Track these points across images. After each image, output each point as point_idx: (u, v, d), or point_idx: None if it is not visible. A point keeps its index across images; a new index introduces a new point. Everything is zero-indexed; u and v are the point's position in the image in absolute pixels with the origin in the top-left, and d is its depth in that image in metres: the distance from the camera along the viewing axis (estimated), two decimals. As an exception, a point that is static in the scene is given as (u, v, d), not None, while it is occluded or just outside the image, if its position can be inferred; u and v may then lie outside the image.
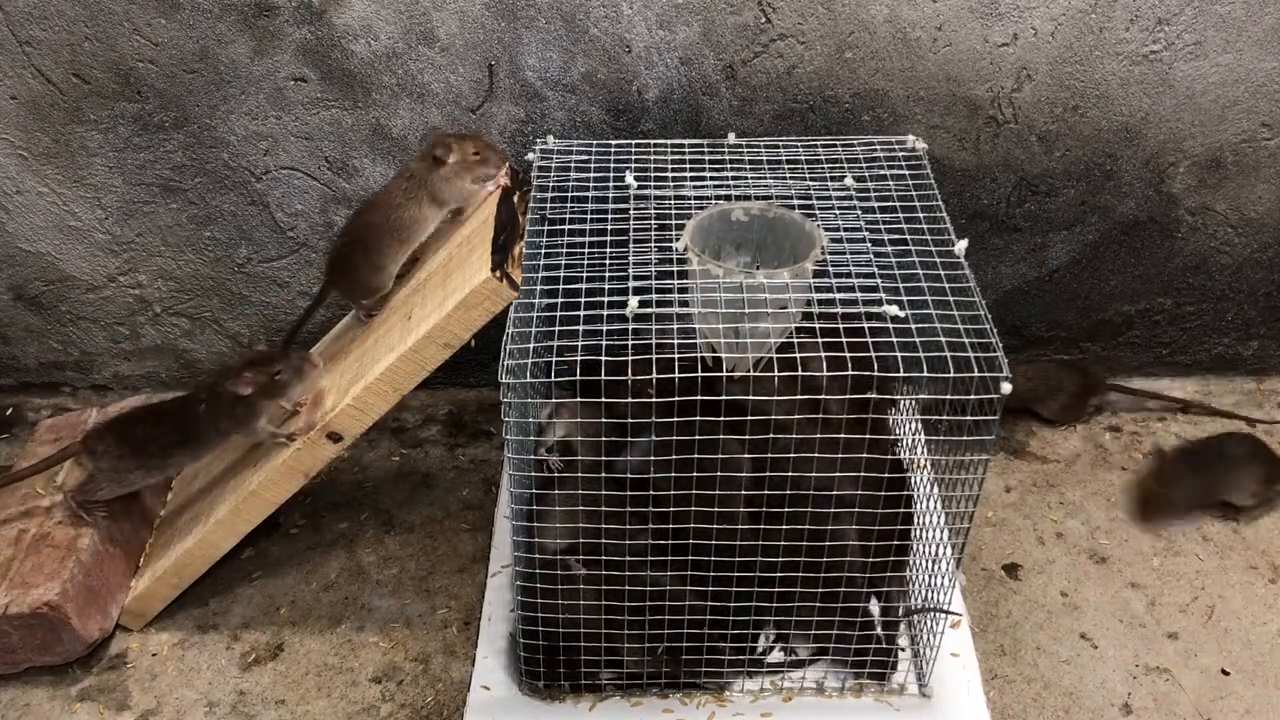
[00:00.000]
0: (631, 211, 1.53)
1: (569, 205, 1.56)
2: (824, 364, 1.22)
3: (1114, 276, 2.00)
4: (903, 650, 1.52)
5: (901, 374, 1.25)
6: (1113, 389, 2.06)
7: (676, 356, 1.24)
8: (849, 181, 1.59)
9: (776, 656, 1.51)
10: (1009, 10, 1.69)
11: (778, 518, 1.36)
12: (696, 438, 1.27)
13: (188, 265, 1.98)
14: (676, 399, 1.24)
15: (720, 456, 1.31)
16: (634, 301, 1.32)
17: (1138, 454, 1.97)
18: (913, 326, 1.27)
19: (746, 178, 1.61)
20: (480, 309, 1.41)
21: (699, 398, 1.24)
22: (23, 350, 2.09)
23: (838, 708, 1.47)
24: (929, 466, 1.60)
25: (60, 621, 1.57)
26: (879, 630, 1.49)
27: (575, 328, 1.31)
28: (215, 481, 1.73)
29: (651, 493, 1.36)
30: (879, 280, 1.35)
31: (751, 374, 1.35)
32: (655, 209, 1.53)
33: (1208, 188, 1.88)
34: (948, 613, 1.41)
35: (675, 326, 1.30)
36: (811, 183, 1.59)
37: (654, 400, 1.27)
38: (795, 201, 1.53)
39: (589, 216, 1.52)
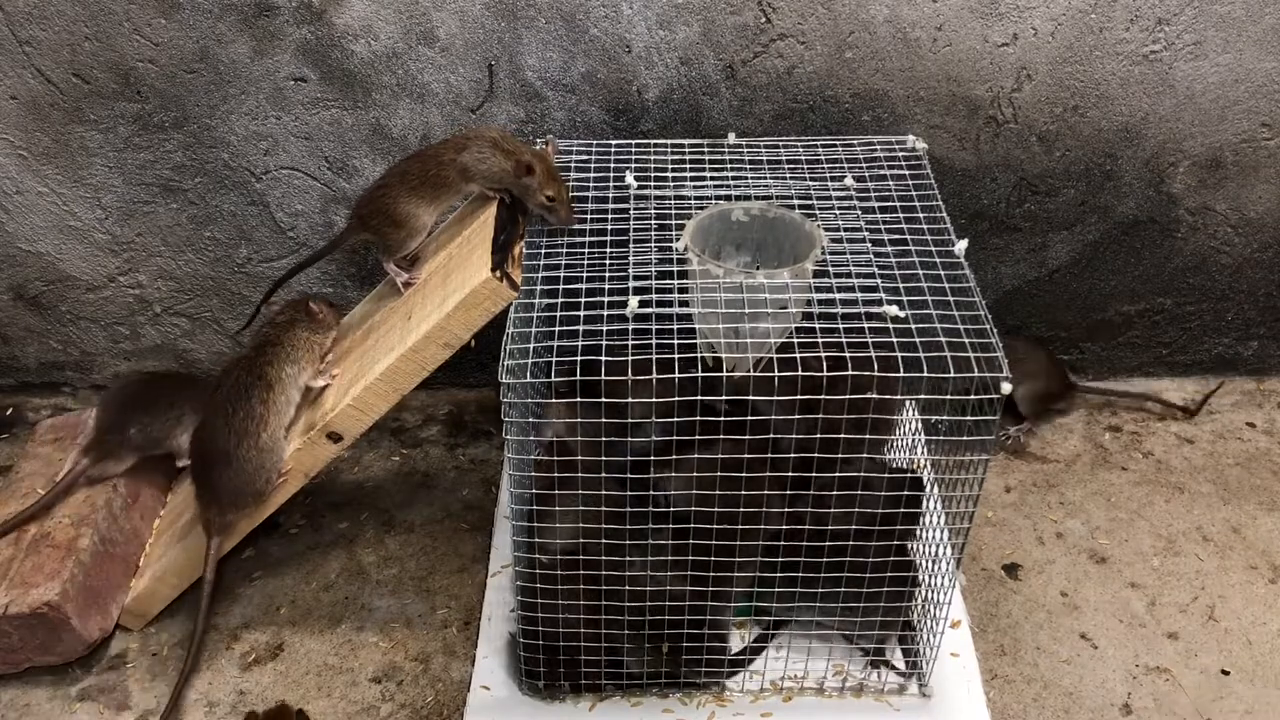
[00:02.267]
0: (631, 211, 1.53)
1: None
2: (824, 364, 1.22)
3: (1114, 276, 2.00)
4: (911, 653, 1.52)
5: (901, 374, 1.25)
6: (1085, 390, 2.06)
7: (676, 356, 1.24)
8: (849, 181, 1.59)
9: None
10: (1009, 10, 1.69)
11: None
12: (694, 436, 1.27)
13: (188, 265, 1.98)
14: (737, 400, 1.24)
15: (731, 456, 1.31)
16: (634, 301, 1.32)
17: (1138, 454, 1.97)
18: (913, 326, 1.27)
19: (746, 178, 1.61)
20: (480, 309, 1.41)
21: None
22: (23, 350, 2.09)
23: (838, 708, 1.47)
24: (929, 466, 1.60)
25: (60, 621, 1.57)
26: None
27: (575, 328, 1.31)
28: (215, 481, 1.73)
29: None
30: (879, 280, 1.35)
31: (752, 374, 1.35)
32: (655, 209, 1.53)
33: (1208, 188, 1.88)
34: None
35: (675, 326, 1.30)
36: (811, 183, 1.59)
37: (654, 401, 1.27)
38: (795, 201, 1.53)
39: (589, 216, 1.52)
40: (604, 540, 1.40)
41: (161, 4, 1.68)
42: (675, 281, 1.38)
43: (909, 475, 1.50)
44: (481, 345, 1.47)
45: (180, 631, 1.68)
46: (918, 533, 1.51)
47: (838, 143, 1.70)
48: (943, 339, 1.24)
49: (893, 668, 1.50)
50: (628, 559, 1.38)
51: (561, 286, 1.40)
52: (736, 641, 1.51)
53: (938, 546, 1.45)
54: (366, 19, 1.70)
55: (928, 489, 1.50)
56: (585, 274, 1.41)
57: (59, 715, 1.57)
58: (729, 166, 1.64)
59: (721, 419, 1.34)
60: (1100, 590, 1.71)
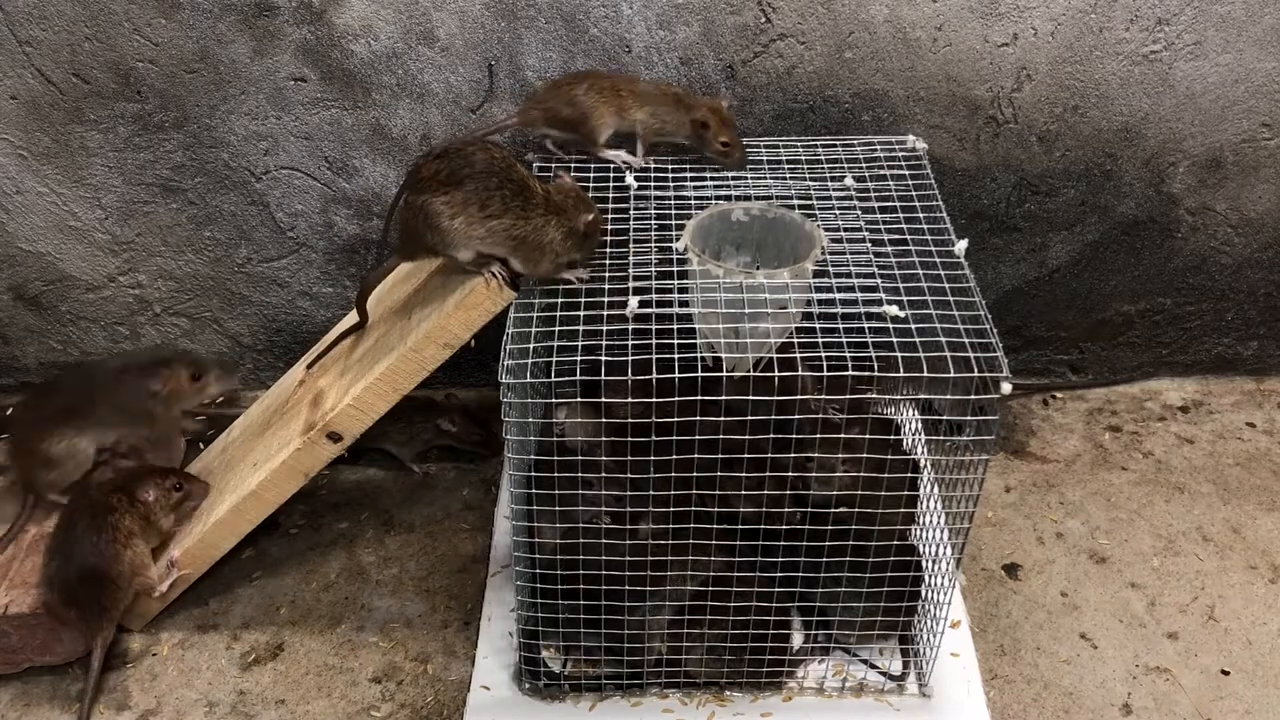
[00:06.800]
0: (631, 211, 1.53)
1: None
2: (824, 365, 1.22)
3: (1114, 276, 2.00)
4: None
5: (902, 374, 1.25)
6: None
7: (676, 356, 1.24)
8: (849, 181, 1.59)
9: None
10: (1009, 10, 1.69)
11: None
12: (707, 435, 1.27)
13: (188, 265, 1.98)
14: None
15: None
16: (634, 301, 1.32)
17: (1138, 454, 1.97)
18: (913, 326, 1.27)
19: (746, 178, 1.61)
20: (480, 309, 1.41)
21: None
22: (23, 350, 2.09)
23: (837, 708, 1.47)
24: (929, 466, 1.60)
25: (60, 621, 1.57)
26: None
27: (575, 328, 1.31)
28: (215, 482, 1.73)
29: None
30: (879, 280, 1.35)
31: (752, 374, 1.35)
32: (655, 209, 1.53)
33: (1208, 188, 1.88)
34: None
35: (675, 326, 1.30)
36: (811, 183, 1.59)
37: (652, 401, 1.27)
38: (795, 201, 1.53)
39: None
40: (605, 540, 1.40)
41: (161, 4, 1.68)
42: (675, 281, 1.38)
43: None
44: (481, 345, 1.47)
45: (181, 631, 1.68)
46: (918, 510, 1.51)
47: (838, 143, 1.70)
48: (943, 339, 1.24)
49: (880, 670, 1.50)
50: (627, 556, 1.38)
51: (562, 287, 1.40)
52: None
53: (938, 546, 1.45)
54: (366, 19, 1.70)
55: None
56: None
57: (59, 715, 1.57)
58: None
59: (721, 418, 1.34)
60: (1100, 590, 1.71)
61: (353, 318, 1.65)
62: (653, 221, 1.50)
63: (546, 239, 1.37)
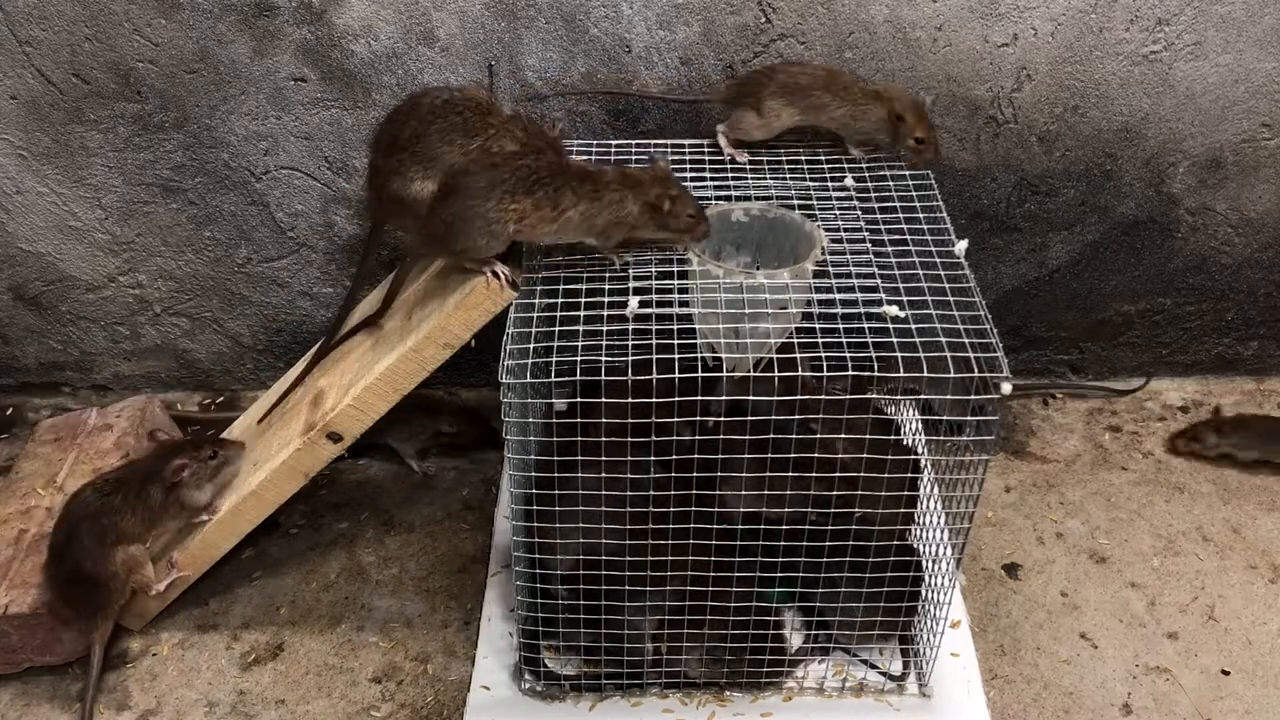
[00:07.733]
0: None
1: None
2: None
3: (1114, 276, 2.00)
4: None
5: (902, 374, 1.25)
6: None
7: (677, 357, 1.24)
8: (849, 182, 1.59)
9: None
10: (1009, 10, 1.69)
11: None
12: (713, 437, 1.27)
13: (188, 265, 1.98)
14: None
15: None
16: (634, 301, 1.32)
17: (1138, 454, 1.97)
18: (913, 326, 1.27)
19: (746, 178, 1.61)
20: (480, 309, 1.41)
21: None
22: (23, 350, 2.09)
23: (837, 708, 1.47)
24: (929, 466, 1.60)
25: (60, 621, 1.57)
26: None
27: (575, 328, 1.31)
28: (215, 481, 1.73)
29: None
30: (879, 280, 1.35)
31: (752, 374, 1.35)
32: None
33: (1208, 188, 1.88)
34: None
35: (675, 327, 1.30)
36: (811, 183, 1.59)
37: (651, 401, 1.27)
38: (795, 201, 1.53)
39: None
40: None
41: (161, 4, 1.68)
42: (675, 281, 1.38)
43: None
44: (481, 345, 1.47)
45: (181, 631, 1.68)
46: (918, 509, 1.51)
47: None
48: (943, 339, 1.24)
49: (881, 671, 1.50)
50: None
51: (561, 287, 1.40)
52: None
53: (938, 546, 1.45)
54: (366, 19, 1.70)
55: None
56: (585, 274, 1.41)
57: (59, 715, 1.57)
58: (729, 166, 1.65)
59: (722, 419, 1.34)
60: (1100, 590, 1.71)
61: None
62: None
63: (624, 211, 1.39)
